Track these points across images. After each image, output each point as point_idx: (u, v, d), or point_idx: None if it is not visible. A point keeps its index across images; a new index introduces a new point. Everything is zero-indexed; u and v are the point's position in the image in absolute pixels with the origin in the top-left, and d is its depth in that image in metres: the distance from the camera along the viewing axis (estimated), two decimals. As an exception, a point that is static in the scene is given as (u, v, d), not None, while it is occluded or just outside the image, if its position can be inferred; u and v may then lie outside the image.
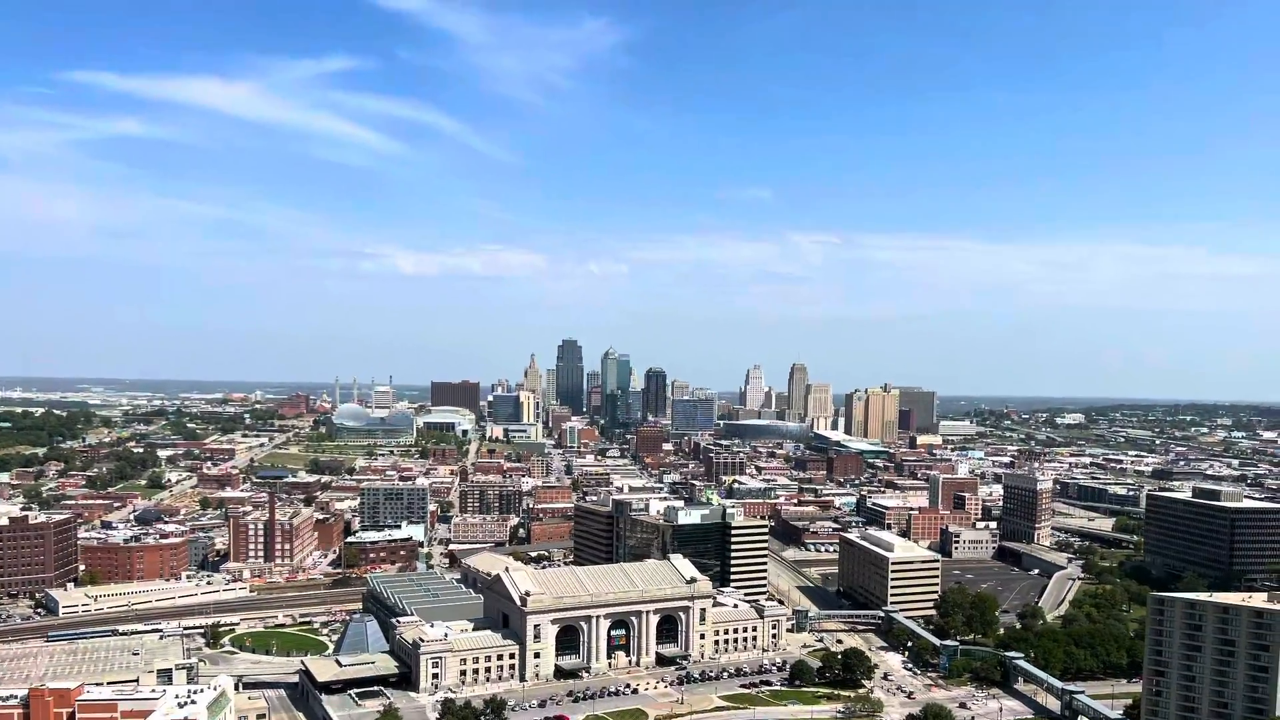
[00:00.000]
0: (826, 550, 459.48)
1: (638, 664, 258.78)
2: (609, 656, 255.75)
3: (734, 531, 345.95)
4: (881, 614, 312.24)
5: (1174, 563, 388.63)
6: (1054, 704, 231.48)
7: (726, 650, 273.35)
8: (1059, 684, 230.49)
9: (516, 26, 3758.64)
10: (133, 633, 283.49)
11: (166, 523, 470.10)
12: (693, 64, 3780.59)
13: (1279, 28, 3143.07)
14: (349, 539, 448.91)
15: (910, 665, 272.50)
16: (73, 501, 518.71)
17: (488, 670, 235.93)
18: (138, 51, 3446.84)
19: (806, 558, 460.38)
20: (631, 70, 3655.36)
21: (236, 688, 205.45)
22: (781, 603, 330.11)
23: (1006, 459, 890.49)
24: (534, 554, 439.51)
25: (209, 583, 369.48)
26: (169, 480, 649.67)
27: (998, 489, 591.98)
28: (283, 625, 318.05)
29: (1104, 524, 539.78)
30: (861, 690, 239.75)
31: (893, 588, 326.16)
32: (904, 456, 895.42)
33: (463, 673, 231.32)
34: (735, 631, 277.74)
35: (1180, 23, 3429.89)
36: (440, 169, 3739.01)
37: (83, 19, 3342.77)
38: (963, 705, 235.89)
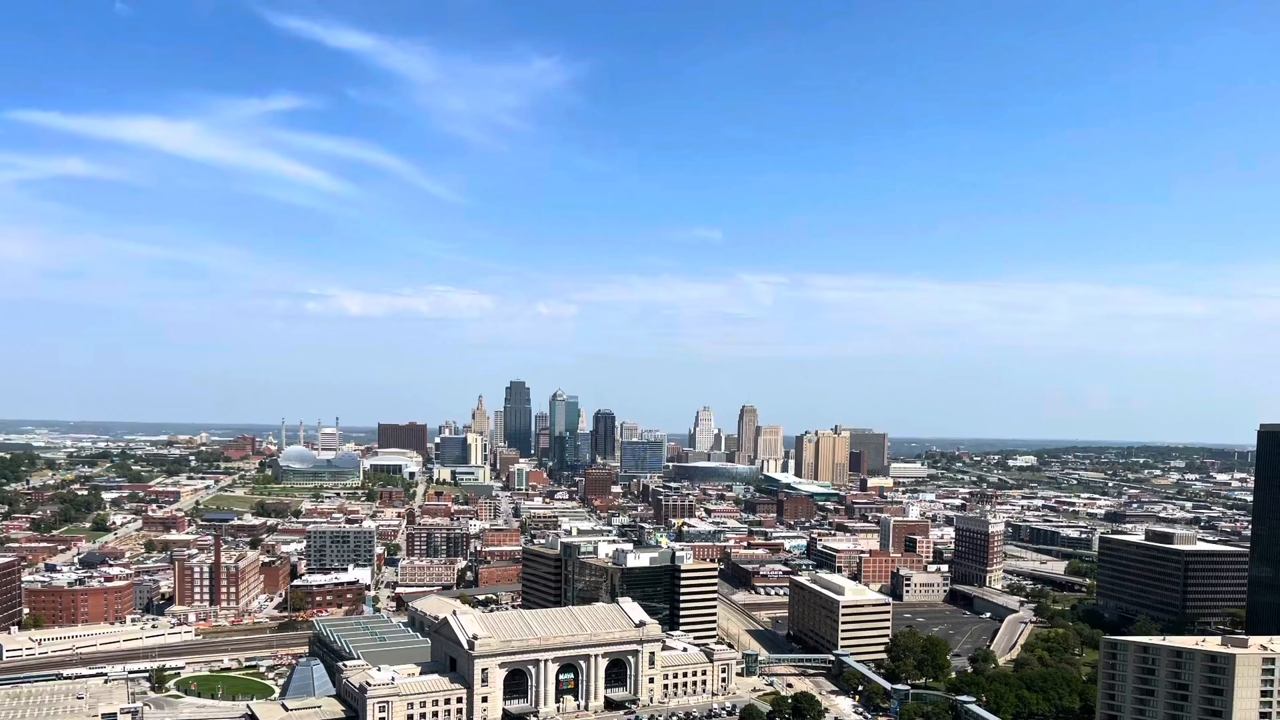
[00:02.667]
0: (777, 593, 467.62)
1: (586, 708, 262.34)
2: (557, 700, 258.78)
3: (683, 574, 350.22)
4: (832, 657, 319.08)
5: (1127, 606, 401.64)
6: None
7: (676, 694, 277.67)
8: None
9: (465, 66, 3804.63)
10: (77, 677, 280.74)
11: (111, 565, 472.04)
12: (642, 103, 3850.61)
13: (1229, 71, 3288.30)
14: (295, 582, 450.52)
15: (861, 709, 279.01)
16: (16, 544, 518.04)
17: (435, 715, 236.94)
18: (81, 91, 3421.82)
19: (757, 601, 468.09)
20: (580, 110, 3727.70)
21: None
22: (731, 646, 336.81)
23: (958, 501, 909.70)
24: (481, 597, 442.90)
25: (154, 626, 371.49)
26: (114, 523, 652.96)
27: (949, 531, 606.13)
28: (228, 669, 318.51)
29: (1056, 567, 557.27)
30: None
31: (843, 631, 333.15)
32: (855, 499, 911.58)
33: (410, 717, 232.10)
34: (684, 675, 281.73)
35: (1131, 65, 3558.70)
36: (387, 209, 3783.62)
37: (25, 58, 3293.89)
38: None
